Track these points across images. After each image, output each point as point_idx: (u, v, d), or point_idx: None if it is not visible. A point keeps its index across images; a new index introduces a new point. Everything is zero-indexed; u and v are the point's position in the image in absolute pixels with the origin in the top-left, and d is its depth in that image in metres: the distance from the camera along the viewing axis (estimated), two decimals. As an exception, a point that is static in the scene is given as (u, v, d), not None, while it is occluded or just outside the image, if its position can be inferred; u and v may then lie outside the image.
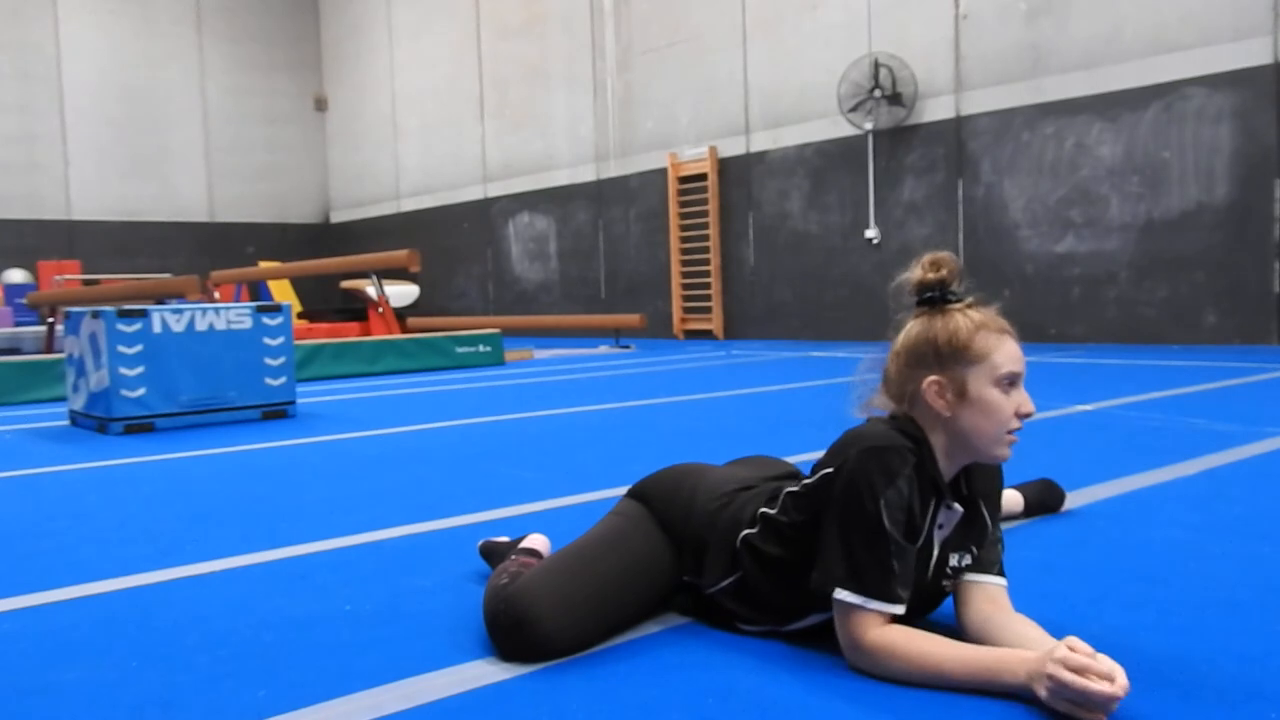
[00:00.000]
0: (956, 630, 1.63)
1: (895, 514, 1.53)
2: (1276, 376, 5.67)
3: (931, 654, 1.48)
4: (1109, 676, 1.32)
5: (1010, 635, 1.56)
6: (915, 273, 1.65)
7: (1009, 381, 1.58)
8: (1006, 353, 1.58)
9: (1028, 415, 1.59)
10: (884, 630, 1.52)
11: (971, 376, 1.58)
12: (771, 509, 1.69)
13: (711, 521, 1.76)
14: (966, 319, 1.60)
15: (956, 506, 1.62)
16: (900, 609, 1.53)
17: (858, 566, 1.53)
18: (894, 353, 1.66)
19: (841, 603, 1.54)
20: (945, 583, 1.66)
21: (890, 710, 1.40)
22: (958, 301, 1.63)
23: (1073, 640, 1.38)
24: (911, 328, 1.65)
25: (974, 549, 1.66)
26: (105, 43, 16.31)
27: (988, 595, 1.65)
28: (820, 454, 1.64)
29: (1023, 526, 2.44)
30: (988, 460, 1.63)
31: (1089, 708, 1.33)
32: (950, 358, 1.59)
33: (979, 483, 1.67)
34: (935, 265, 1.63)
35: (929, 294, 1.64)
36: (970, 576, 1.65)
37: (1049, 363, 6.95)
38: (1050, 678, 1.35)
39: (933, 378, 1.60)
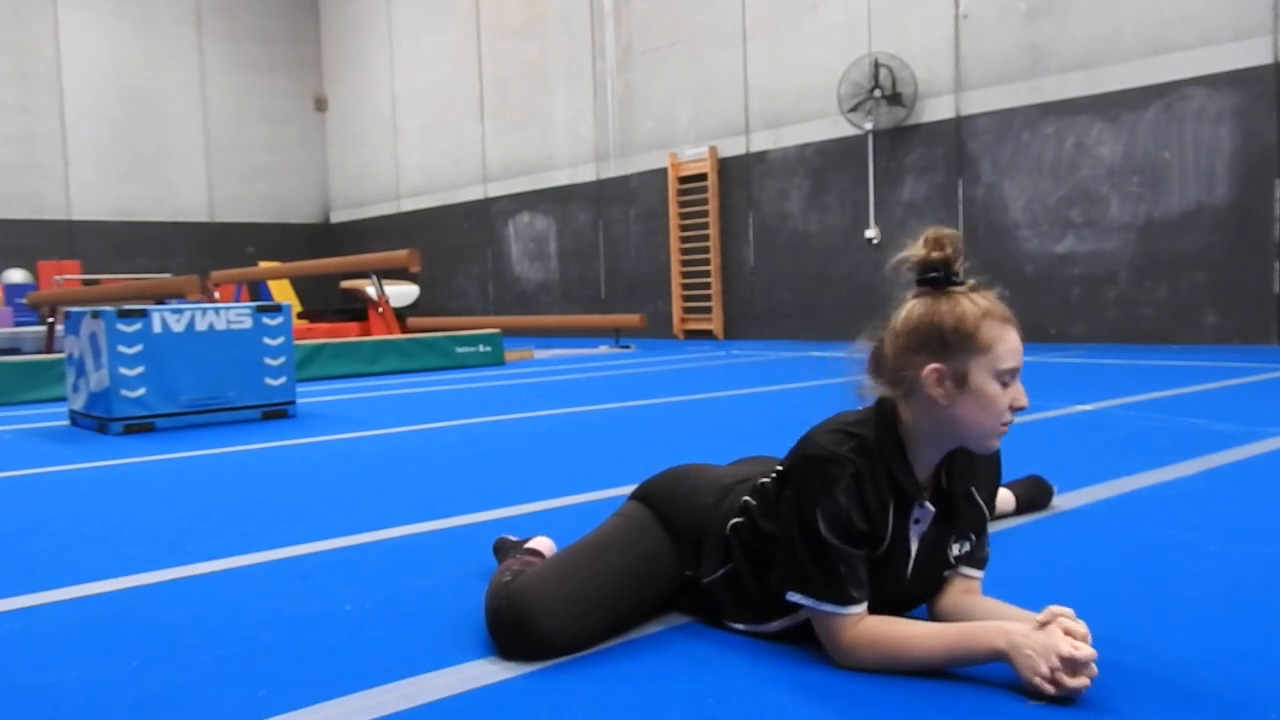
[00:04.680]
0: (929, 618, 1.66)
1: (834, 523, 1.51)
2: (1276, 376, 5.66)
3: (903, 640, 1.49)
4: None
5: (978, 614, 1.59)
6: (918, 250, 1.55)
7: (1010, 375, 1.52)
8: (1009, 345, 1.51)
9: (1021, 409, 1.54)
10: (859, 629, 1.52)
11: (974, 367, 1.50)
12: (753, 499, 1.69)
13: (710, 514, 1.76)
14: (973, 305, 1.51)
15: (929, 505, 1.58)
16: (857, 609, 1.52)
17: (804, 571, 1.53)
18: (892, 333, 1.56)
19: (803, 606, 1.55)
20: (947, 572, 1.65)
21: (890, 712, 1.40)
22: (961, 284, 1.54)
23: (1055, 608, 1.42)
24: (914, 308, 1.55)
25: (973, 535, 1.65)
26: (105, 43, 16.30)
27: (963, 586, 1.67)
28: None
29: (1022, 526, 2.44)
30: (976, 450, 1.58)
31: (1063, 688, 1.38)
32: (955, 346, 1.51)
33: (963, 473, 1.62)
34: (939, 244, 1.54)
35: (932, 274, 1.54)
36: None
37: (1049, 363, 6.95)
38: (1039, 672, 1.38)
39: (934, 365, 1.52)
